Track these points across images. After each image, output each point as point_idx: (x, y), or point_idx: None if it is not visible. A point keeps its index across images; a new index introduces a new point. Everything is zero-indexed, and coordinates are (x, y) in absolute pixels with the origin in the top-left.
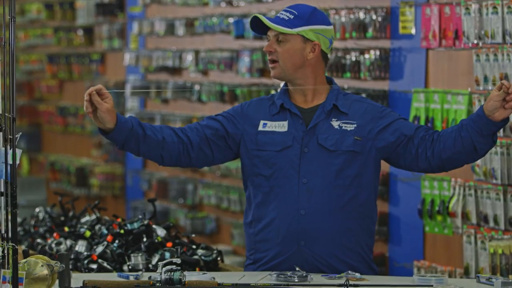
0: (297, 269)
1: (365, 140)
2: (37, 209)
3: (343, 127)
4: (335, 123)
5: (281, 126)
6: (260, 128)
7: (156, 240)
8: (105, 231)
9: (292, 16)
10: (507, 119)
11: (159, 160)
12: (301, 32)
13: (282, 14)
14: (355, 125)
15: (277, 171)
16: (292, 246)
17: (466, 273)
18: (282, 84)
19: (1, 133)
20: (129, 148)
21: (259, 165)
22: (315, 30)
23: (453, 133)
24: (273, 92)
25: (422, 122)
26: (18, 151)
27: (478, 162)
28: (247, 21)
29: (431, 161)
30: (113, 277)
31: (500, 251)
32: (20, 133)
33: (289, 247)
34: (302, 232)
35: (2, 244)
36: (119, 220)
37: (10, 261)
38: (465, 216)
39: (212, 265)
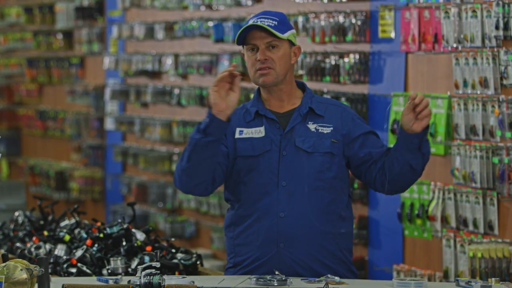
0: (277, 272)
1: (340, 143)
2: (16, 213)
3: (320, 130)
4: (312, 126)
5: (258, 131)
6: (237, 135)
7: (136, 244)
8: (84, 235)
9: (276, 22)
10: (427, 127)
11: (210, 182)
12: (289, 37)
13: (265, 20)
14: (331, 128)
15: (256, 175)
16: (271, 249)
17: (446, 277)
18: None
19: None
20: (211, 149)
21: (239, 171)
22: (294, 34)
23: (389, 157)
24: (252, 96)
25: None
26: None
27: (458, 165)
28: (227, 25)
29: (384, 185)
30: (92, 281)
31: (479, 255)
32: (0, 137)
33: (268, 250)
34: (281, 235)
35: None
36: (99, 224)
37: None
38: (444, 220)
39: (191, 269)
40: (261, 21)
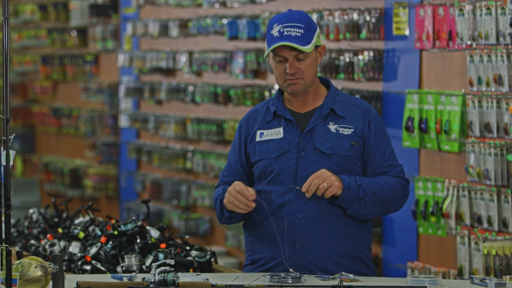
0: (291, 270)
1: (360, 146)
2: (30, 210)
3: (340, 131)
4: (332, 127)
5: (277, 132)
6: (258, 138)
7: (150, 241)
8: (98, 232)
9: (302, 30)
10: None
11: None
12: (316, 42)
13: (291, 30)
14: (352, 130)
15: (275, 177)
16: (288, 249)
17: (460, 274)
18: (275, 86)
19: None
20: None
21: (259, 174)
22: (318, 34)
23: None
24: (267, 93)
25: (416, 123)
26: (12, 152)
27: (472, 163)
28: (241, 22)
29: None
30: (106, 278)
31: (493, 252)
32: (14, 134)
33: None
34: (298, 236)
35: None
36: (113, 221)
37: (4, 262)
38: (458, 217)
39: (205, 266)
40: (287, 32)
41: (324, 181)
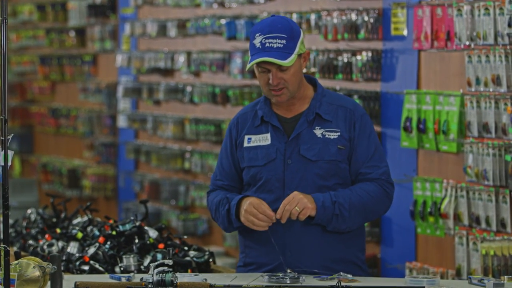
0: (289, 271)
1: (347, 149)
2: (29, 211)
3: (326, 136)
4: (318, 132)
5: (264, 138)
6: (246, 144)
7: (148, 242)
8: (97, 233)
9: (285, 41)
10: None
11: None
12: (299, 51)
13: (273, 43)
14: (339, 133)
15: (263, 184)
16: (278, 257)
17: (458, 275)
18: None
19: None
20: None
21: (248, 180)
22: (302, 41)
23: None
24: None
25: (414, 123)
26: (10, 153)
27: (470, 163)
28: (239, 23)
29: None
30: (105, 278)
31: (492, 253)
32: (12, 134)
33: (276, 258)
34: (287, 244)
35: None
36: (111, 221)
37: (2, 262)
38: (457, 218)
39: (204, 267)
40: (269, 43)
41: (296, 205)
